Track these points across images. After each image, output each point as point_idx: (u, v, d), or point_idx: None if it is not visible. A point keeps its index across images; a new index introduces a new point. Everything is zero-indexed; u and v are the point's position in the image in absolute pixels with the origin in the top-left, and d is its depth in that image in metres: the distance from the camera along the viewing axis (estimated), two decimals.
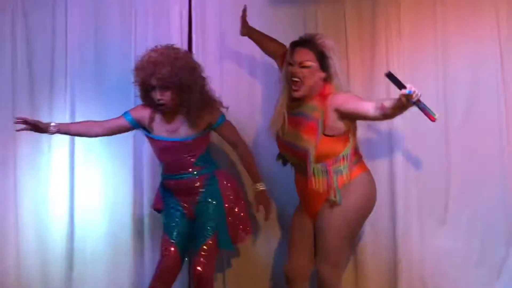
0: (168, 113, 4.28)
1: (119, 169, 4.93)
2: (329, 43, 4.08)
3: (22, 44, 4.95)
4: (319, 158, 4.06)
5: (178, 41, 4.76)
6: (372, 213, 4.29)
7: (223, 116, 4.36)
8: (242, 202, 4.45)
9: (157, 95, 4.19)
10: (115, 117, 4.37)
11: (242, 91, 4.85)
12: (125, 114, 4.36)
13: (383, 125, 4.65)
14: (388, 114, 3.84)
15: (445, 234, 4.67)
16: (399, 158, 4.69)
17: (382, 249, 4.72)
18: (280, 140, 4.18)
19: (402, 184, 4.68)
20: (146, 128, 4.35)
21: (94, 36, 4.93)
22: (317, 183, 4.08)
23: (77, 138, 4.80)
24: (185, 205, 4.36)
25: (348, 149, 4.09)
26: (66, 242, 4.90)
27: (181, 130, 4.28)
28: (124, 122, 4.34)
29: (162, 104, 4.21)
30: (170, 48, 4.25)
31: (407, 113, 4.46)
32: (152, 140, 4.35)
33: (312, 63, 4.06)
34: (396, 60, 4.66)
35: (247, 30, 4.48)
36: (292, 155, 4.15)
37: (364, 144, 4.44)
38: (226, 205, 4.35)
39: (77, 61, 4.92)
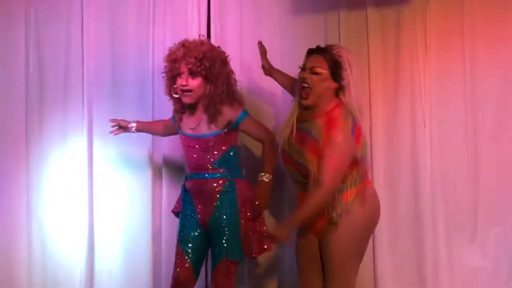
0: (191, 108, 4.22)
1: (137, 180, 4.84)
2: (346, 54, 3.92)
3: (35, 52, 4.85)
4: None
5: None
6: (395, 231, 4.20)
7: (244, 112, 4.23)
8: (261, 216, 4.29)
9: (183, 81, 4.15)
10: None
11: (262, 88, 4.71)
12: (173, 117, 4.40)
13: (407, 141, 4.50)
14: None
15: (473, 251, 4.52)
16: (424, 174, 4.54)
17: (405, 270, 4.58)
18: (286, 154, 4.02)
19: (428, 201, 4.53)
20: (178, 126, 4.34)
21: (111, 43, 4.84)
22: None
23: (94, 154, 4.82)
24: (200, 214, 4.24)
25: (355, 173, 3.92)
26: (85, 262, 4.83)
27: (201, 127, 4.21)
28: (171, 121, 4.41)
29: (187, 91, 4.15)
30: (201, 39, 4.28)
31: (433, 130, 4.46)
32: (180, 136, 4.33)
33: (323, 70, 3.90)
34: (421, 72, 4.51)
35: (268, 71, 4.40)
36: (296, 170, 3.98)
37: (388, 161, 4.36)
38: (242, 215, 4.20)
39: (93, 69, 4.83)
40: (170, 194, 4.74)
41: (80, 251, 4.83)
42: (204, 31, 4.75)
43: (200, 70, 4.11)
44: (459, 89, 4.49)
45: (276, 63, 4.59)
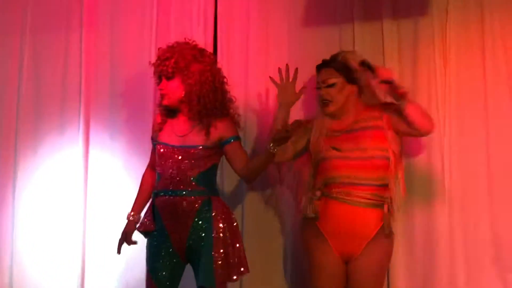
0: (175, 114, 3.95)
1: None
2: (351, 55, 3.93)
3: (30, 63, 4.73)
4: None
5: None
6: (408, 256, 4.10)
7: (238, 136, 3.97)
8: (239, 239, 3.92)
9: (159, 85, 3.93)
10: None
11: (269, 94, 4.46)
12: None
13: (423, 159, 4.27)
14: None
15: (494, 277, 4.18)
16: (441, 192, 4.27)
17: None
18: (334, 158, 3.85)
19: (445, 224, 4.25)
20: (154, 138, 4.02)
21: (111, 54, 4.69)
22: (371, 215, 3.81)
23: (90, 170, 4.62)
24: (174, 239, 3.87)
25: (399, 177, 3.85)
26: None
27: (189, 138, 3.90)
28: (153, 149, 4.06)
29: (163, 95, 3.91)
30: (183, 43, 3.99)
31: (452, 147, 4.23)
32: (155, 146, 3.98)
33: (336, 79, 3.87)
34: (439, 87, 4.27)
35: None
36: (359, 171, 3.80)
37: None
38: (214, 235, 3.83)
39: (91, 80, 4.69)
40: None
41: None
42: (210, 43, 4.56)
43: (172, 71, 3.86)
44: (479, 105, 4.23)
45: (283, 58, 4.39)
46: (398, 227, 4.10)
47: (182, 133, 3.91)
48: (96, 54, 4.67)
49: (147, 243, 3.96)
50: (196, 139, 3.88)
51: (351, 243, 3.81)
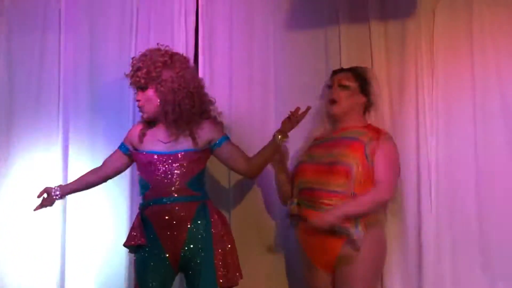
0: (161, 126, 3.81)
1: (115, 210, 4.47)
2: (371, 71, 4.01)
3: (4, 64, 4.58)
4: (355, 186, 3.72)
5: None
6: (400, 258, 4.08)
7: (227, 136, 3.89)
8: (232, 242, 3.82)
9: (136, 97, 3.82)
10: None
11: (254, 98, 4.41)
12: (120, 145, 3.95)
13: (412, 161, 4.20)
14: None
15: (483, 280, 4.13)
16: (427, 191, 4.20)
17: None
18: (308, 164, 3.82)
19: (432, 228, 4.18)
20: (135, 147, 3.87)
21: (90, 56, 4.56)
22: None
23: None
24: (169, 250, 3.72)
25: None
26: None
27: (177, 143, 3.77)
28: (119, 154, 3.93)
29: (139, 107, 3.81)
30: (154, 49, 3.86)
31: (439, 148, 4.19)
32: (138, 156, 3.82)
33: (351, 83, 3.87)
34: (427, 88, 4.22)
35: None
36: (325, 176, 3.74)
37: None
38: (215, 241, 3.73)
39: (70, 84, 4.55)
40: None
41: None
42: (191, 46, 4.47)
43: (145, 82, 3.75)
44: (467, 107, 4.18)
45: (269, 82, 4.37)
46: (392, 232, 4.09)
47: (168, 139, 3.79)
48: (75, 57, 4.56)
49: (136, 257, 3.82)
50: (185, 144, 3.77)
51: (323, 253, 3.75)
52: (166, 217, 3.73)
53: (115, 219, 4.46)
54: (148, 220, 3.77)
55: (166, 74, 3.74)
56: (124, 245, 3.84)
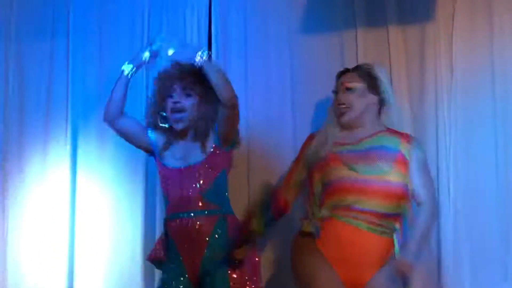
0: (181, 137, 3.70)
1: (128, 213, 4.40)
2: (378, 66, 3.73)
3: (15, 73, 4.53)
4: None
5: None
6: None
7: None
8: (256, 259, 3.69)
9: (175, 98, 3.65)
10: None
11: (270, 104, 4.35)
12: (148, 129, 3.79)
13: (430, 167, 4.00)
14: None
15: None
16: (446, 201, 4.12)
17: None
18: (348, 180, 3.54)
19: (450, 236, 4.10)
20: (159, 154, 3.76)
21: (99, 62, 4.49)
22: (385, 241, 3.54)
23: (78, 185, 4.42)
24: (188, 266, 3.62)
25: (408, 208, 3.60)
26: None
27: (192, 155, 3.66)
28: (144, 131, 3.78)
29: (179, 110, 3.64)
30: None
31: (457, 155, 4.11)
32: (161, 167, 3.74)
33: (358, 84, 3.64)
34: (446, 96, 4.15)
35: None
36: (375, 197, 3.50)
37: None
38: (232, 258, 3.59)
39: (79, 91, 4.49)
40: None
41: None
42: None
43: (194, 89, 3.65)
44: (487, 114, 4.11)
45: (285, 87, 4.30)
46: None
47: (183, 154, 3.69)
48: (84, 62, 4.50)
49: (162, 274, 3.72)
50: (198, 155, 3.66)
51: (358, 270, 3.53)
52: (185, 232, 3.62)
53: (129, 221, 4.40)
54: (170, 235, 3.69)
55: (209, 90, 3.62)
56: (146, 258, 3.78)
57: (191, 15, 4.42)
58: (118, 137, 4.09)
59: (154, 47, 3.67)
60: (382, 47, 4.22)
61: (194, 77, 3.64)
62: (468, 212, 4.11)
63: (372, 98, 3.65)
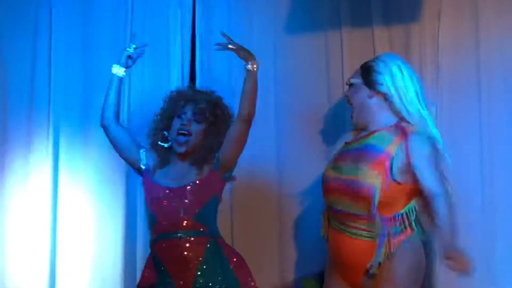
0: (177, 162, 3.64)
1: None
2: (392, 58, 3.59)
3: None
4: (378, 208, 3.39)
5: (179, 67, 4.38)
6: None
7: None
8: (252, 284, 3.63)
9: (184, 121, 3.59)
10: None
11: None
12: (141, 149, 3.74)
13: None
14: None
15: None
16: None
17: None
18: (330, 180, 3.51)
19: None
20: (150, 170, 3.69)
21: (83, 63, 4.46)
22: (366, 244, 3.44)
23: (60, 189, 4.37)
24: (179, 285, 3.55)
25: (411, 206, 3.44)
26: None
27: (186, 177, 3.60)
28: (133, 143, 3.72)
29: (186, 134, 3.58)
30: (212, 91, 3.75)
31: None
32: (148, 182, 3.65)
33: (355, 79, 3.58)
34: (432, 96, 4.02)
35: None
36: (346, 197, 3.44)
37: None
38: (233, 268, 3.58)
39: (62, 88, 4.44)
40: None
41: None
42: (187, 54, 4.39)
43: (207, 116, 3.59)
44: (473, 115, 4.10)
45: (269, 87, 4.25)
46: None
47: (177, 175, 3.62)
48: (67, 59, 4.46)
49: None
50: (192, 176, 3.60)
51: (350, 274, 3.51)
52: (175, 253, 3.55)
53: (110, 221, 4.37)
54: (157, 256, 3.60)
55: (224, 121, 3.63)
56: (137, 285, 3.71)
57: (174, 13, 4.38)
58: (101, 136, 4.05)
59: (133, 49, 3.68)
60: (367, 47, 4.19)
61: (207, 104, 3.61)
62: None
63: (367, 93, 3.55)
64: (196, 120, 3.61)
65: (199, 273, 3.53)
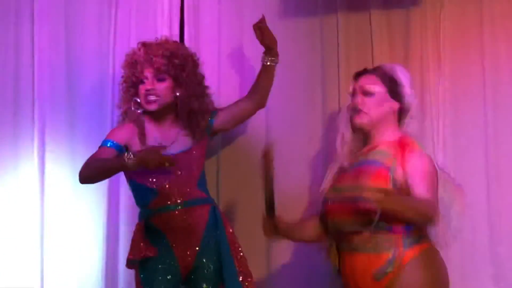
0: (162, 123, 3.63)
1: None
2: (401, 69, 3.44)
3: None
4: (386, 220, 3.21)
5: None
6: None
7: (214, 111, 3.75)
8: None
9: (148, 85, 3.57)
10: (94, 152, 3.66)
11: (244, 91, 4.11)
12: (106, 142, 3.63)
13: None
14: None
15: None
16: None
17: None
18: (332, 202, 3.35)
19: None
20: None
21: (66, 49, 4.31)
22: (375, 259, 3.25)
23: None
24: (181, 260, 3.56)
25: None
26: None
27: (179, 143, 3.60)
28: (109, 152, 3.60)
29: (152, 98, 3.57)
30: (166, 39, 3.75)
31: (446, 150, 3.98)
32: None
33: (378, 87, 3.34)
34: (433, 84, 4.00)
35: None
36: (349, 215, 3.26)
37: None
38: (232, 251, 3.60)
39: (45, 79, 4.30)
40: (127, 234, 4.04)
41: None
42: (176, 38, 4.19)
43: (168, 69, 3.56)
44: (476, 103, 3.97)
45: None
46: None
47: (170, 140, 3.59)
48: (50, 48, 4.32)
49: (142, 272, 3.58)
50: (186, 142, 3.62)
51: None
52: (181, 224, 3.56)
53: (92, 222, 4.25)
54: (157, 228, 3.57)
55: (188, 68, 3.63)
56: (130, 258, 3.59)
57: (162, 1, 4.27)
58: (88, 129, 4.17)
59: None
60: (364, 33, 4.07)
61: (164, 59, 3.58)
62: None
63: (393, 104, 3.36)
64: (159, 79, 3.59)
65: (203, 244, 3.56)
